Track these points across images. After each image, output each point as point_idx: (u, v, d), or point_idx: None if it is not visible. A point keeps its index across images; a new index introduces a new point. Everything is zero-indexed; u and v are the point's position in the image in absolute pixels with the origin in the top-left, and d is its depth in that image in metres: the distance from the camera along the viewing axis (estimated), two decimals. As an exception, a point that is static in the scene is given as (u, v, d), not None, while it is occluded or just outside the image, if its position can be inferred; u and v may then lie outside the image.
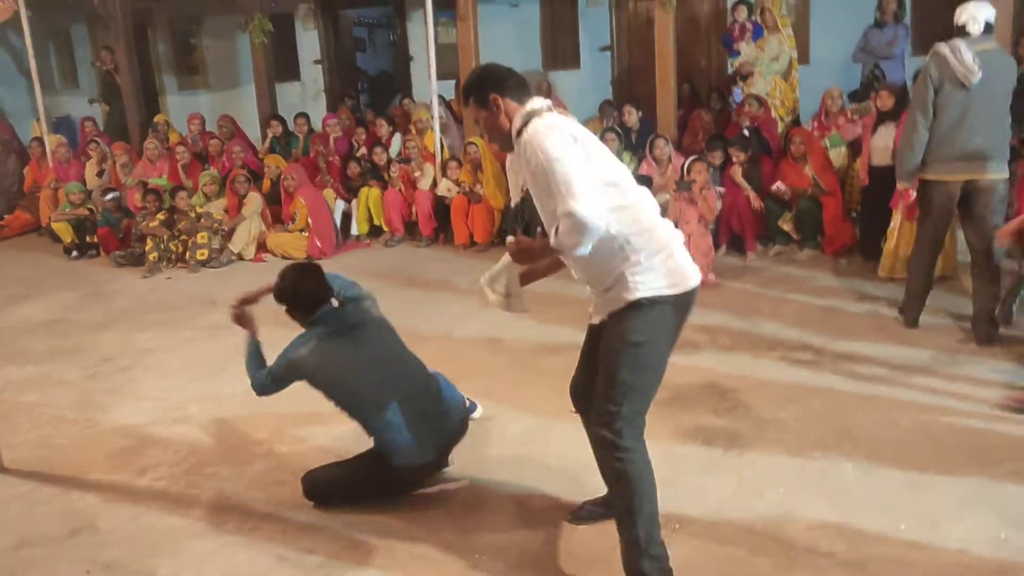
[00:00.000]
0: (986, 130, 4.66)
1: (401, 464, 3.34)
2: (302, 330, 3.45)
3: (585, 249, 2.57)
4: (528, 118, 2.71)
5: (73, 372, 5.26)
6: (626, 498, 2.72)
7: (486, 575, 2.95)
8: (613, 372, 2.72)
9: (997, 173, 4.71)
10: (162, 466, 3.91)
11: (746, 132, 7.33)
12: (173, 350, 5.58)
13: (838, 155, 7.13)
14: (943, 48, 4.63)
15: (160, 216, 8.00)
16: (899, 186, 4.98)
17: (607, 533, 2.88)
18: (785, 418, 4.01)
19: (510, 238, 3.04)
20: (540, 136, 2.62)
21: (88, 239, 8.67)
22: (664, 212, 5.69)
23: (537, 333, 5.34)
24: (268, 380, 3.44)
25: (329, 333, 3.39)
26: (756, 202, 6.85)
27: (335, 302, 3.47)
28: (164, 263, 7.86)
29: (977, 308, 4.84)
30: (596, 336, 2.88)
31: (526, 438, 3.98)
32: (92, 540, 3.32)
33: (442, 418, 3.49)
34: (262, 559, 3.11)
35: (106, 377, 5.14)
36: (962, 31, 4.66)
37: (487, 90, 2.80)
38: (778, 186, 6.81)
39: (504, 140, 2.84)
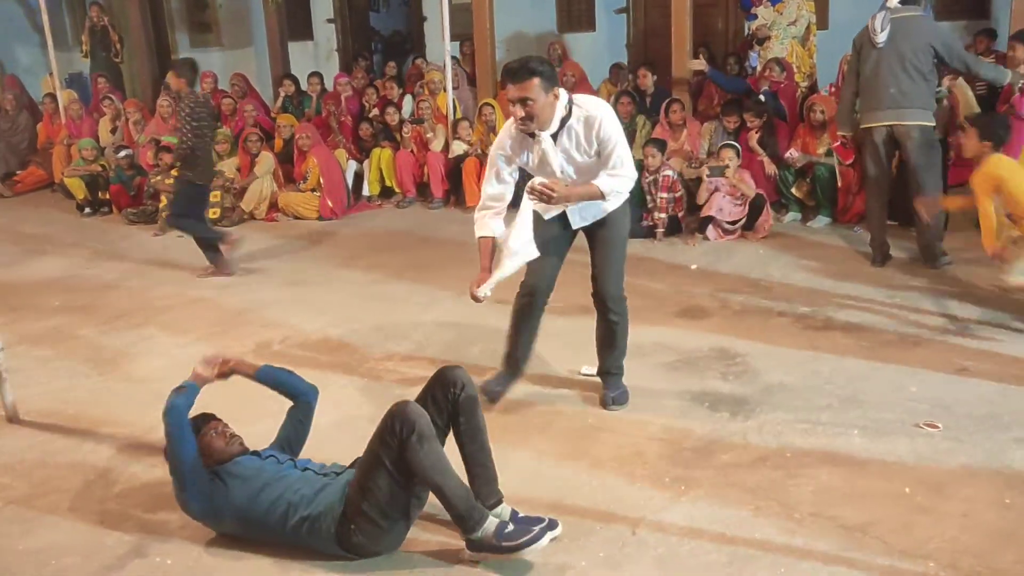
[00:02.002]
0: (897, 82, 5.37)
1: None
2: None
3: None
4: (571, 104, 3.39)
5: (87, 328, 5.30)
6: (625, 338, 3.87)
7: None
8: (621, 251, 3.77)
9: (912, 120, 5.41)
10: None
11: (762, 97, 7.25)
12: (184, 308, 5.61)
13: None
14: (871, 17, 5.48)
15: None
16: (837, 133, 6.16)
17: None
18: (793, 383, 4.02)
19: (536, 181, 3.40)
20: (611, 116, 3.42)
21: (101, 196, 8.70)
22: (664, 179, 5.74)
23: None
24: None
25: None
26: (770, 168, 6.80)
27: None
28: (176, 221, 7.88)
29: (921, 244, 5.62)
30: (571, 239, 3.75)
31: (536, 398, 4.00)
32: (104, 492, 3.37)
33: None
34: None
35: (119, 333, 5.19)
36: (885, 2, 5.47)
37: (556, 81, 3.33)
38: (791, 153, 6.75)
39: (546, 122, 3.35)
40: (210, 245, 6.31)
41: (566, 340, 4.67)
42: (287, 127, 8.62)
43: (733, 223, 6.50)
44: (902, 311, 4.87)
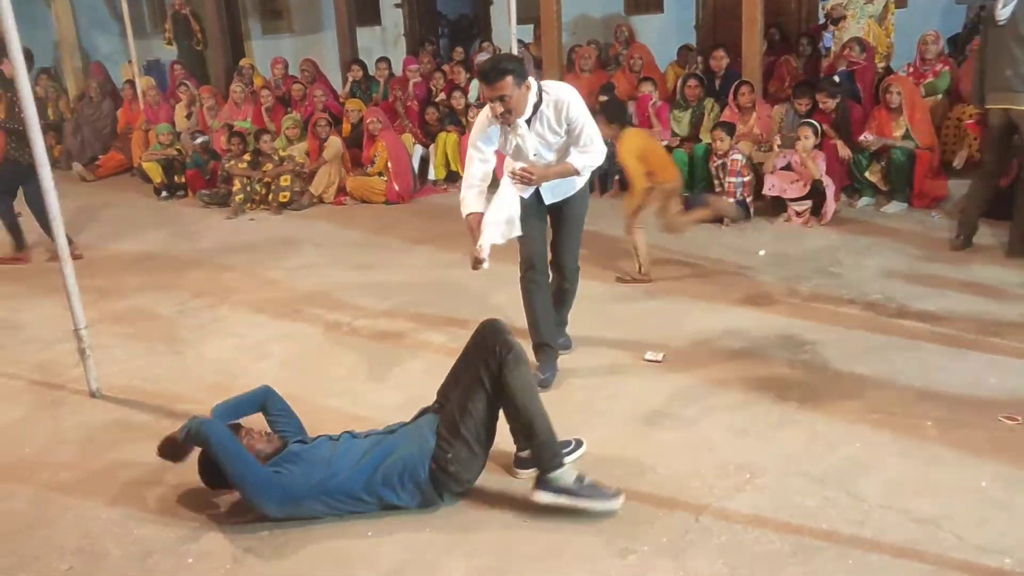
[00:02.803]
0: (1015, 64, 5.12)
1: None
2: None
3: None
4: (540, 91, 3.67)
5: (163, 307, 5.48)
6: (573, 298, 4.28)
7: (558, 513, 3.00)
8: (580, 228, 4.15)
9: None
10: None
11: (836, 78, 7.06)
12: (255, 289, 5.75)
13: (934, 103, 6.83)
14: None
15: (246, 158, 8.19)
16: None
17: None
18: (864, 373, 3.93)
19: (517, 166, 3.81)
20: (577, 99, 3.72)
21: (177, 179, 8.97)
22: (733, 164, 5.73)
23: (609, 285, 5.39)
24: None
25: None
26: (844, 151, 6.63)
27: None
28: (248, 204, 8.08)
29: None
30: (546, 211, 4.03)
31: (600, 383, 4.00)
32: (181, 466, 3.48)
33: None
34: (339, 490, 3.22)
35: (193, 313, 5.35)
36: None
37: (526, 75, 3.60)
38: (865, 136, 6.57)
39: (521, 112, 3.65)
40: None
41: (631, 327, 4.65)
42: (355, 112, 8.74)
43: (798, 199, 6.37)
44: (980, 300, 4.71)
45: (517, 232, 3.82)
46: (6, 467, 3.55)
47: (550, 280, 4.14)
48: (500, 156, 3.95)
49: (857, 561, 2.66)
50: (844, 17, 7.83)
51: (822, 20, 8.79)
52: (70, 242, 6.63)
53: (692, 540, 2.80)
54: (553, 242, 4.14)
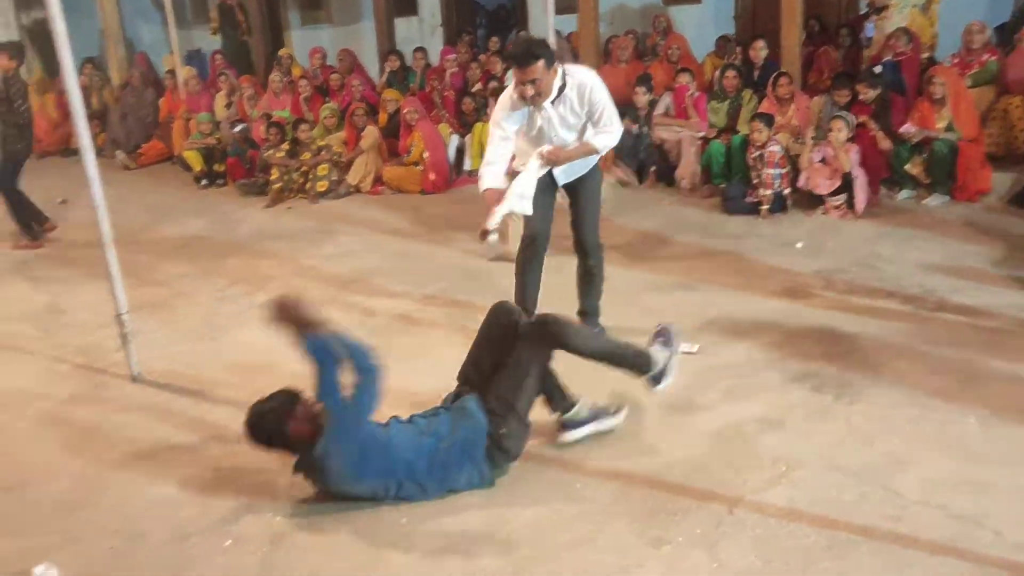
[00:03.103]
0: None
1: None
2: None
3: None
4: (564, 75, 3.84)
5: (203, 294, 5.56)
6: (602, 281, 4.38)
7: (592, 502, 3.00)
8: (597, 203, 4.29)
9: None
10: (282, 385, 4.10)
11: (877, 69, 6.94)
12: (292, 277, 5.81)
13: (979, 94, 6.69)
14: None
15: (284, 147, 8.27)
16: None
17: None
18: (903, 367, 3.88)
19: (545, 148, 3.95)
20: (599, 83, 3.92)
21: (216, 168, 9.07)
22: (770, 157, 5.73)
23: (643, 275, 5.34)
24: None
25: None
26: (884, 143, 6.53)
27: None
28: (286, 193, 8.16)
29: None
30: (556, 192, 4.20)
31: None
32: (219, 450, 3.55)
33: None
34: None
35: (232, 300, 5.43)
36: None
37: (553, 59, 3.77)
38: (907, 128, 6.46)
39: (549, 95, 3.83)
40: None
41: (665, 317, 4.61)
42: (392, 102, 8.77)
43: (833, 194, 6.31)
44: (1022, 294, 4.62)
45: (528, 211, 3.91)
46: (51, 448, 3.64)
47: (576, 265, 4.33)
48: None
49: (893, 557, 2.63)
50: (887, 6, 7.69)
51: (864, 10, 8.64)
52: (45, 221, 6.91)
53: (726, 532, 2.80)
54: (573, 221, 4.27)
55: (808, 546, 2.71)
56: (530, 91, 3.74)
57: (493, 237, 3.84)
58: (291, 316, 2.98)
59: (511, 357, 3.20)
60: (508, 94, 3.93)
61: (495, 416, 3.13)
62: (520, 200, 3.86)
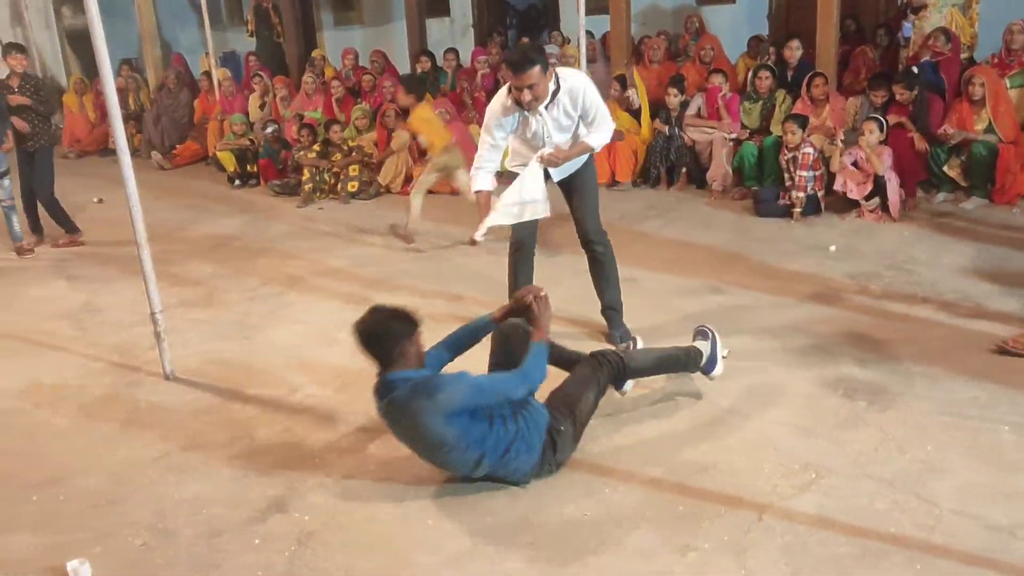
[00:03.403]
0: None
1: None
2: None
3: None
4: (557, 79, 3.94)
5: (234, 293, 5.62)
6: (615, 270, 4.39)
7: (619, 506, 2.99)
8: (595, 192, 4.38)
9: None
10: (312, 385, 4.15)
11: (915, 69, 6.84)
12: (323, 277, 5.86)
13: (1020, 96, 6.57)
14: None
15: (316, 148, 8.33)
16: None
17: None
18: (937, 374, 3.81)
19: (546, 151, 4.04)
20: (591, 85, 4.05)
21: (249, 168, 9.17)
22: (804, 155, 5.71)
23: (674, 278, 5.31)
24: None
25: None
26: (921, 144, 6.43)
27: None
28: (318, 194, 8.22)
29: None
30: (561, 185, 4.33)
31: (666, 377, 3.97)
32: (249, 448, 3.59)
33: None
34: (401, 478, 3.27)
35: (263, 300, 5.48)
36: None
37: (548, 65, 3.87)
38: (945, 129, 6.36)
39: (544, 99, 3.93)
40: None
41: (695, 321, 4.58)
42: (423, 103, 8.79)
43: (867, 197, 6.22)
44: (1064, 301, 4.53)
45: (545, 213, 4.08)
46: (85, 445, 3.70)
47: (587, 261, 4.43)
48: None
49: (926, 567, 2.59)
50: (925, 6, 7.56)
51: (902, 5, 8.50)
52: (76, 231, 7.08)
53: (754, 539, 2.77)
54: (574, 214, 4.38)
55: (839, 555, 2.67)
56: (527, 96, 3.85)
57: (479, 238, 4.09)
58: (534, 310, 3.34)
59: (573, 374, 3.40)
60: (500, 101, 4.04)
61: (556, 411, 3.22)
62: (522, 208, 4.05)
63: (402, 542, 2.89)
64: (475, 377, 3.08)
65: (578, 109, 4.04)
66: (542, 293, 3.39)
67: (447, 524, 2.96)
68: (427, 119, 6.56)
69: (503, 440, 3.05)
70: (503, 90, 4.07)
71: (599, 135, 4.14)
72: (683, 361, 3.68)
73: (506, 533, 2.89)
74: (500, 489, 3.13)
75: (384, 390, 3.04)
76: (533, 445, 3.11)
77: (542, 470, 3.16)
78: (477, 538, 2.87)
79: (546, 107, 3.98)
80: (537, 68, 3.80)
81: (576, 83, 4.01)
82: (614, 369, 3.44)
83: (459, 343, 3.47)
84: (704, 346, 3.73)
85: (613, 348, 3.68)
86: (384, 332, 3.04)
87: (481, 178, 4.16)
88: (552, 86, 3.94)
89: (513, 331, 3.42)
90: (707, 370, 3.72)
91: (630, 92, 7.85)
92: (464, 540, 2.87)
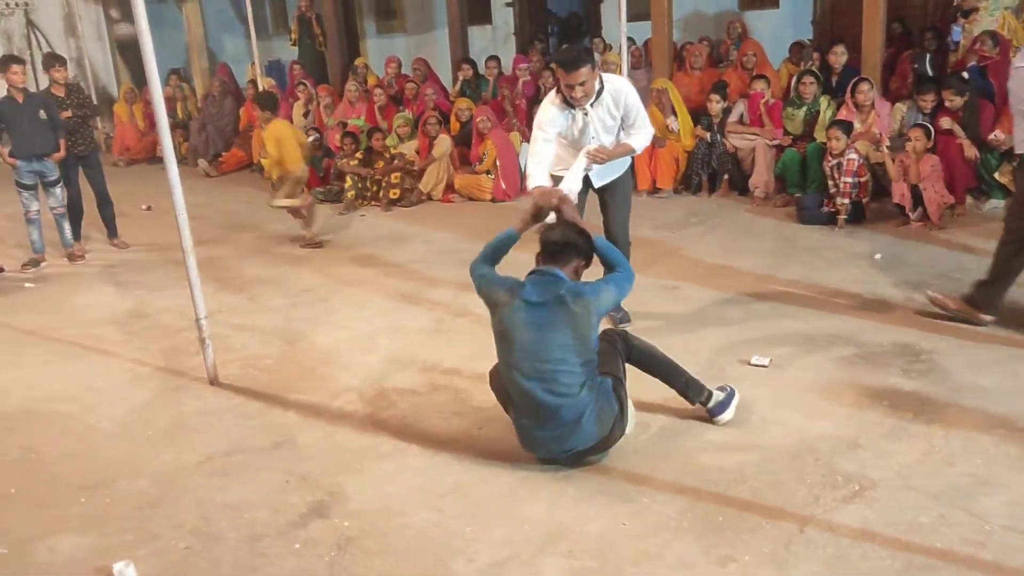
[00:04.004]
0: None
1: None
2: None
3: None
4: (601, 81, 4.20)
5: (277, 300, 5.70)
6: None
7: (658, 516, 2.97)
8: (628, 205, 4.71)
9: None
10: (353, 391, 4.18)
11: (964, 74, 6.70)
12: (364, 284, 5.91)
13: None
14: None
15: (358, 156, 8.42)
16: None
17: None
18: (987, 385, 3.73)
19: (592, 146, 4.29)
20: (633, 90, 4.34)
21: (293, 176, 9.27)
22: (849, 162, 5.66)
23: (715, 286, 5.26)
24: (482, 277, 3.56)
25: (515, 287, 3.38)
26: (970, 151, 6.30)
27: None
28: (360, 201, 8.30)
29: None
30: (587, 193, 4.57)
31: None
32: (291, 453, 3.63)
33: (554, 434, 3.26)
34: (440, 484, 3.28)
35: (306, 306, 5.54)
36: None
37: (596, 65, 4.14)
38: (996, 135, 6.22)
39: (591, 96, 4.18)
40: None
41: (736, 329, 4.56)
42: (465, 110, 8.85)
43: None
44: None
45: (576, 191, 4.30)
46: (132, 448, 3.77)
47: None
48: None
49: (974, 584, 2.53)
50: (976, 9, 7.41)
51: (952, 8, 8.34)
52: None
53: (796, 552, 2.73)
54: (605, 220, 4.64)
55: (883, 568, 2.62)
56: (579, 93, 4.09)
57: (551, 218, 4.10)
58: (564, 213, 3.67)
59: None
60: (551, 100, 4.30)
61: (617, 382, 3.32)
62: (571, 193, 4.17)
63: (440, 549, 2.89)
64: (606, 282, 3.39)
65: (620, 110, 4.29)
66: (563, 193, 3.77)
67: (485, 532, 2.96)
68: (279, 138, 6.81)
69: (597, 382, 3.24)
70: (551, 93, 4.33)
71: (639, 137, 4.39)
72: (683, 379, 3.54)
73: (544, 541, 2.88)
74: (539, 497, 3.13)
75: (555, 280, 3.31)
76: (610, 399, 3.24)
77: (615, 428, 3.25)
78: (515, 546, 2.87)
79: (592, 105, 4.22)
80: (588, 66, 4.06)
81: (618, 85, 4.31)
82: (623, 343, 3.48)
83: (493, 259, 3.68)
84: (719, 395, 3.57)
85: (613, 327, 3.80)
86: (562, 242, 3.43)
87: (539, 174, 4.22)
88: (597, 86, 4.18)
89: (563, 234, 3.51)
90: (713, 412, 3.55)
91: (669, 120, 7.77)
92: (502, 548, 2.87)
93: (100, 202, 7.31)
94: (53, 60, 7.11)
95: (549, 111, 4.28)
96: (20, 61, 6.79)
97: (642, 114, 4.36)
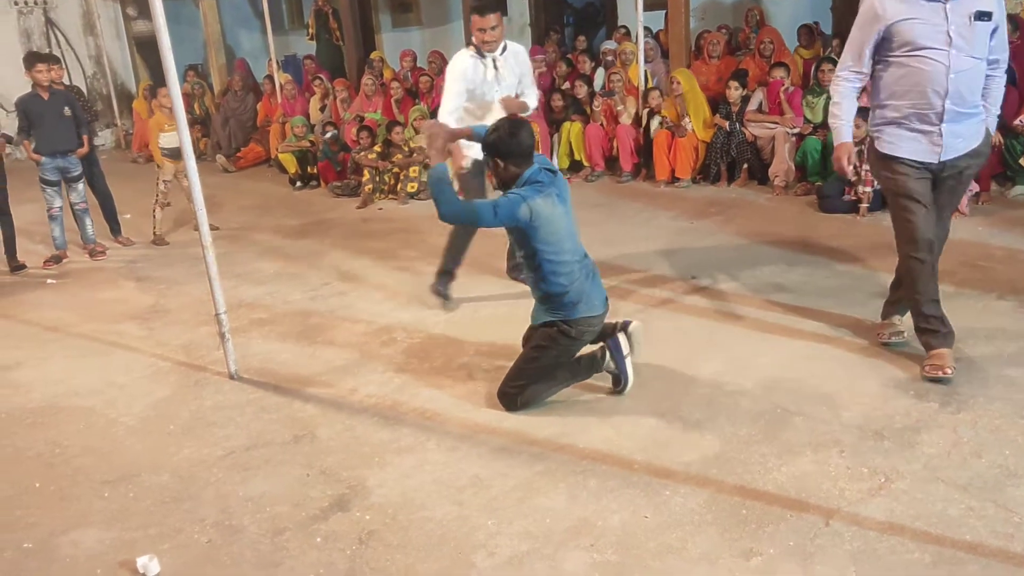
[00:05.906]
0: None
1: (581, 316, 3.65)
2: None
3: None
4: (504, 42, 4.87)
5: (296, 294, 5.71)
6: None
7: (681, 509, 2.95)
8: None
9: None
10: (372, 384, 4.18)
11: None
12: (383, 277, 5.90)
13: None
14: None
15: (377, 149, 8.41)
16: None
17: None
18: (1014, 375, 3.67)
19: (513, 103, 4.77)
20: (527, 53, 5.20)
21: (310, 170, 9.31)
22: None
23: (734, 276, 5.22)
24: (492, 212, 3.62)
25: (547, 191, 3.60)
26: (994, 137, 6.19)
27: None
28: (377, 194, 8.30)
29: None
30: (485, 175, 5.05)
31: (723, 381, 3.90)
32: (311, 447, 3.63)
33: (600, 285, 3.82)
34: (460, 478, 3.27)
35: (324, 300, 5.54)
36: None
37: (504, 11, 4.82)
38: (1020, 120, 6.13)
39: (500, 44, 4.83)
40: None
41: (762, 319, 4.51)
42: (481, 102, 8.81)
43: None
44: None
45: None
46: (154, 443, 3.79)
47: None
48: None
49: (1004, 576, 2.49)
50: (997, -7, 7.29)
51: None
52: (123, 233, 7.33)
53: (821, 545, 2.70)
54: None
55: (910, 562, 2.59)
56: (490, 36, 4.67)
57: (467, 162, 4.80)
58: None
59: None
60: (461, 57, 4.80)
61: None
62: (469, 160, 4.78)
63: (462, 543, 2.88)
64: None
65: (520, 67, 4.93)
66: (442, 125, 4.18)
67: (506, 525, 2.95)
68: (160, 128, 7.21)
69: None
70: (461, 51, 4.88)
71: (532, 97, 5.02)
72: (584, 372, 3.86)
73: (566, 535, 2.86)
74: (558, 490, 3.11)
75: (550, 170, 3.71)
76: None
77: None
78: (536, 540, 2.85)
79: (501, 56, 4.79)
80: (498, 13, 4.70)
81: (518, 47, 5.00)
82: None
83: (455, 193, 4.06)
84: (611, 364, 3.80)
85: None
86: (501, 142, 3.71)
87: (453, 123, 4.59)
88: (503, 43, 4.80)
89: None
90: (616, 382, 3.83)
91: (685, 121, 7.70)
92: (524, 542, 2.85)
93: (104, 196, 7.39)
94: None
95: (464, 61, 4.76)
96: (45, 59, 6.81)
97: (532, 77, 5.07)
